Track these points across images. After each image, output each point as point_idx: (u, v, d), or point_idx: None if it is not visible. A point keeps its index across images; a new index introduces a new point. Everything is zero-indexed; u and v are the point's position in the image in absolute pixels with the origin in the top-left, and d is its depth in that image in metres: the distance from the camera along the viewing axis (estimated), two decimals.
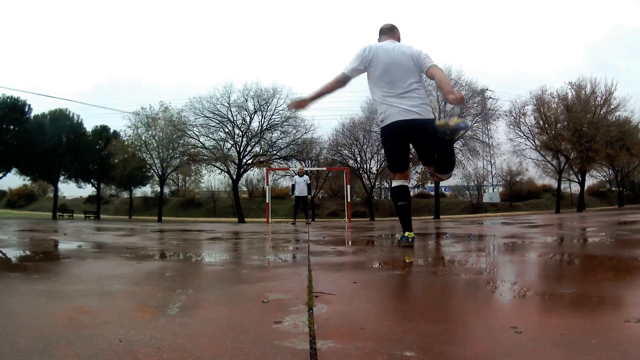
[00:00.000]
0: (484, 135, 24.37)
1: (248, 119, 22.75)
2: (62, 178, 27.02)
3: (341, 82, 2.90)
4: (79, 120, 26.43)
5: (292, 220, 10.93)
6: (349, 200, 16.10)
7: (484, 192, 34.13)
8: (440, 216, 23.00)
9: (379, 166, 24.46)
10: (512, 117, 23.08)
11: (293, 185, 10.97)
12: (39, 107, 42.12)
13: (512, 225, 5.62)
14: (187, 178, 34.94)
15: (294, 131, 22.87)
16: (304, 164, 22.57)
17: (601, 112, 21.43)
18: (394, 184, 2.92)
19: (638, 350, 0.76)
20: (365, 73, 2.88)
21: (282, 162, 23.08)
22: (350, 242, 3.66)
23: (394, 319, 1.01)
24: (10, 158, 23.07)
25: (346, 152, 24.47)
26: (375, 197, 29.92)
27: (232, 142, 22.81)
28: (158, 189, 28.52)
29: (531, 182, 33.36)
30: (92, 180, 28.17)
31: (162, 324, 0.96)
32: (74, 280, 1.62)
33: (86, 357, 0.75)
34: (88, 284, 1.52)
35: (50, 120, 25.09)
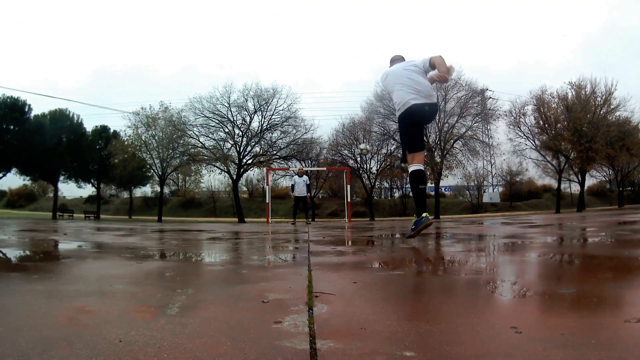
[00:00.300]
0: (484, 135, 24.41)
1: (248, 119, 22.79)
2: (62, 178, 27.05)
3: None
4: (79, 120, 26.46)
5: (292, 220, 10.94)
6: (349, 200, 16.11)
7: (484, 192, 34.14)
8: (440, 216, 23.02)
9: (379, 166, 24.48)
10: (512, 117, 23.13)
11: (292, 185, 10.99)
12: (39, 107, 42.18)
13: (512, 225, 5.62)
14: (187, 178, 35.00)
15: (294, 131, 22.93)
16: (304, 164, 22.58)
17: (601, 112, 21.45)
18: (415, 167, 3.09)
19: (638, 350, 0.76)
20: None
21: (282, 162, 23.09)
22: (350, 242, 3.65)
23: (394, 319, 1.01)
24: (10, 158, 23.08)
25: (346, 152, 24.49)
26: (375, 197, 29.95)
27: (232, 142, 22.83)
28: (158, 189, 28.55)
29: (531, 182, 33.39)
30: (92, 180, 28.18)
31: (162, 324, 0.96)
32: (74, 280, 1.62)
33: (86, 357, 0.75)
34: (88, 284, 1.52)
35: (50, 120, 25.10)
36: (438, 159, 22.02)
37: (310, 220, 12.31)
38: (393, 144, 22.57)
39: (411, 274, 1.78)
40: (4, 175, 24.50)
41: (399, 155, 20.85)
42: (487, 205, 32.71)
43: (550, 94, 22.52)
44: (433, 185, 23.37)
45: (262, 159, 22.74)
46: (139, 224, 10.86)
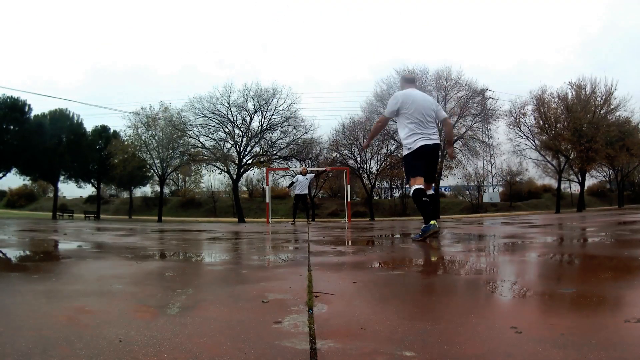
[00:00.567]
0: (484, 135, 24.34)
1: (248, 119, 22.77)
2: (62, 178, 27.03)
3: (383, 122, 4.15)
4: (79, 120, 26.44)
5: (292, 220, 10.90)
6: (349, 200, 16.10)
7: (484, 192, 34.14)
8: (440, 216, 23.00)
9: (379, 166, 24.46)
10: (512, 117, 23.10)
11: (292, 183, 10.94)
12: (39, 107, 42.18)
13: (512, 225, 5.62)
14: (187, 178, 34.98)
15: (294, 131, 22.89)
16: (304, 164, 22.56)
17: (601, 112, 21.43)
18: (416, 186, 3.55)
19: (638, 350, 0.76)
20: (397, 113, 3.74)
21: (282, 162, 23.08)
22: (350, 242, 3.66)
23: (394, 319, 1.01)
24: (10, 158, 23.07)
25: (346, 152, 24.48)
26: (375, 197, 29.94)
27: (232, 142, 22.81)
28: (158, 189, 28.53)
29: (531, 182, 33.37)
30: (92, 180, 28.16)
31: (162, 324, 0.96)
32: (74, 280, 1.62)
33: (86, 357, 0.75)
34: (88, 284, 1.52)
35: (50, 120, 25.08)
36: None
37: (311, 220, 12.28)
38: (393, 144, 22.56)
39: (411, 274, 1.78)
40: (4, 175, 24.50)
41: (399, 155, 20.84)
42: (487, 205, 32.71)
43: (550, 94, 22.52)
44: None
45: (262, 159, 22.72)
46: (139, 224, 10.86)
